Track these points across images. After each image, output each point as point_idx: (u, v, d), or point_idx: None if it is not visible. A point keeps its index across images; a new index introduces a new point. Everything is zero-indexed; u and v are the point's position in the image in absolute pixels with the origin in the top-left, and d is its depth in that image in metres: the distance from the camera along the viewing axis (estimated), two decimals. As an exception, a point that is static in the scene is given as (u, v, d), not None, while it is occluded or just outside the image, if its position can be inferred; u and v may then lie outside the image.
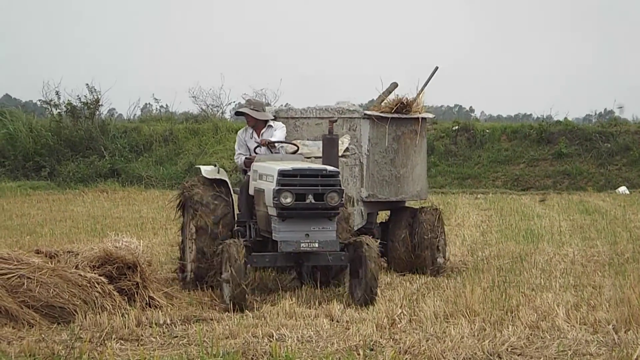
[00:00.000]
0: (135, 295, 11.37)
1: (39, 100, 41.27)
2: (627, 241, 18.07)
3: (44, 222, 21.42)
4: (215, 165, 13.28)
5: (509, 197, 32.23)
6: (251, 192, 12.44)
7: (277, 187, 11.46)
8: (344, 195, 11.72)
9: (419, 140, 14.86)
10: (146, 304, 11.35)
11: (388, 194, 14.77)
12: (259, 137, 13.11)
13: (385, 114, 14.60)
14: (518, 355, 8.94)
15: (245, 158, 12.98)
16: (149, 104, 52.58)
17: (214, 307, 11.60)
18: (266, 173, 11.93)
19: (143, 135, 39.48)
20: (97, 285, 10.97)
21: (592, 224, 21.72)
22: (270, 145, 12.90)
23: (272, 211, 11.64)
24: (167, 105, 50.01)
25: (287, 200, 11.41)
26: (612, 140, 38.86)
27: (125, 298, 11.24)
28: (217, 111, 44.29)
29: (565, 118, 42.52)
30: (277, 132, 13.12)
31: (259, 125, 13.20)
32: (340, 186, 11.67)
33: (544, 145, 39.49)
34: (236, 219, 12.69)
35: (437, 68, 15.02)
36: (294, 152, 13.19)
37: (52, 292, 10.62)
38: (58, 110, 39.39)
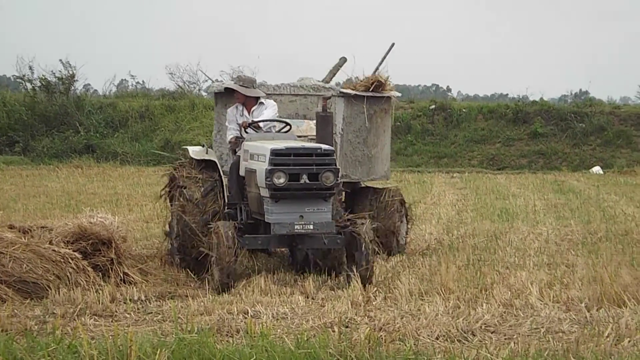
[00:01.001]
0: (110, 271, 11.33)
1: (13, 75, 41.03)
2: (600, 220, 18.17)
3: (17, 197, 21.29)
4: (203, 145, 12.92)
5: (485, 176, 32.35)
6: (242, 172, 11.95)
7: (270, 167, 11.02)
8: (339, 175, 11.36)
9: (388, 120, 14.58)
10: (121, 280, 11.32)
11: (360, 175, 14.38)
12: (249, 114, 12.55)
13: (361, 92, 14.14)
14: (492, 333, 8.96)
15: (235, 137, 12.44)
16: (125, 80, 52.44)
17: (189, 284, 11.58)
18: (258, 153, 11.44)
19: (119, 111, 39.30)
20: (71, 261, 10.92)
21: (566, 204, 21.83)
22: (254, 127, 12.32)
23: (265, 192, 11.21)
24: (143, 81, 49.93)
25: (280, 180, 11.01)
26: (586, 121, 39.03)
27: (100, 274, 11.21)
28: (194, 88, 44.15)
29: (541, 98, 42.80)
30: (267, 110, 12.55)
31: (249, 102, 12.61)
32: (335, 165, 11.28)
33: (519, 125, 39.63)
34: (226, 201, 12.24)
35: (393, 44, 14.75)
36: (287, 131, 12.50)
37: (26, 268, 10.57)
38: (32, 85, 39.14)
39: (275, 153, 11.08)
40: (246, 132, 12.25)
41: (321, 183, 11.13)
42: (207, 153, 12.68)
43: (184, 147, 13.72)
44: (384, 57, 14.67)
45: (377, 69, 14.54)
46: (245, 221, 11.77)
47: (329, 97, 13.13)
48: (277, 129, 12.50)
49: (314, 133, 12.78)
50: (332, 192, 11.29)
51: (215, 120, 14.02)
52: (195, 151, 12.73)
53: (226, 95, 13.48)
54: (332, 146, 11.78)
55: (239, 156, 12.07)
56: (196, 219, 12.18)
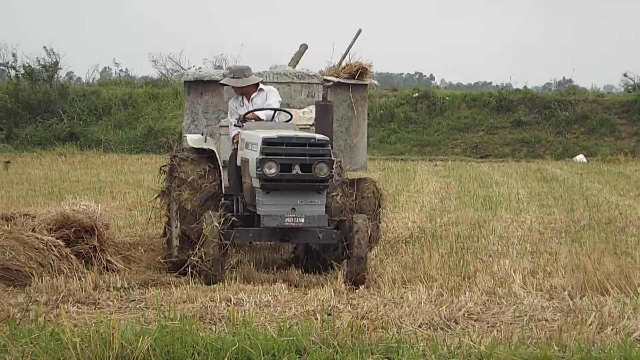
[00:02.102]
0: (93, 258, 11.31)
1: (-5, 62, 40.83)
2: (583, 209, 18.23)
3: (0, 185, 21.21)
4: (202, 134, 12.35)
5: (468, 164, 32.42)
6: (239, 163, 11.44)
7: (261, 157, 10.54)
8: (334, 167, 10.84)
9: (366, 108, 14.23)
10: (103, 267, 11.30)
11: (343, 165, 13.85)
12: (249, 102, 12.04)
13: (345, 80, 13.75)
14: (475, 321, 8.98)
15: (239, 133, 11.66)
16: (108, 67, 52.26)
17: (172, 272, 11.55)
18: (252, 141, 10.97)
19: (102, 99, 39.20)
20: (53, 249, 10.90)
21: (549, 192, 21.89)
22: (253, 118, 11.79)
23: (256, 182, 10.73)
24: (126, 69, 49.69)
25: (272, 170, 10.51)
26: (570, 109, 39.14)
27: (83, 261, 11.18)
28: (177, 76, 44.03)
29: (525, 86, 42.89)
30: (271, 99, 12.03)
31: (248, 90, 12.08)
32: (330, 156, 10.71)
33: (503, 113, 39.72)
34: (223, 191, 11.67)
35: (360, 30, 14.38)
36: (288, 120, 11.94)
37: (8, 255, 10.54)
38: (15, 73, 38.99)
39: (266, 142, 10.62)
40: (243, 124, 11.75)
41: (314, 174, 10.59)
42: (205, 142, 12.10)
43: (183, 135, 13.15)
44: (351, 44, 14.30)
45: (344, 56, 14.19)
46: (241, 213, 11.33)
47: (330, 85, 12.84)
48: (280, 119, 11.98)
49: (304, 122, 12.53)
50: (325, 184, 10.77)
51: (187, 110, 13.53)
52: (193, 139, 12.16)
53: (199, 84, 13.22)
54: (331, 136, 11.37)
55: (237, 145, 11.66)
56: (193, 199, 11.56)
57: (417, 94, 40.97)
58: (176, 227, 11.80)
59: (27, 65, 38.75)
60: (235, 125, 11.92)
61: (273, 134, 10.81)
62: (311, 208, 10.75)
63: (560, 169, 30.11)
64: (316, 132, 11.54)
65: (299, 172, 10.59)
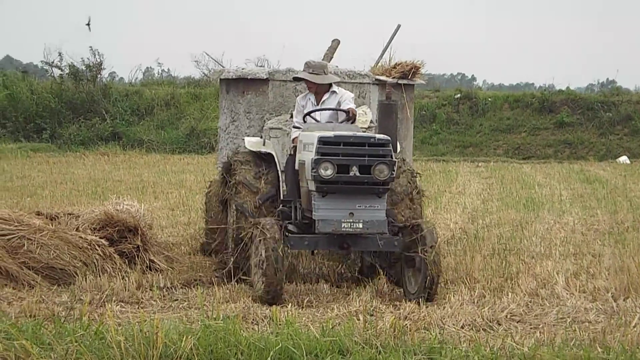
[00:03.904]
0: (136, 258, 11.38)
1: (41, 61, 41.17)
2: (627, 210, 18.08)
3: (44, 184, 21.39)
4: (261, 137, 11.74)
5: (510, 165, 32.27)
6: (297, 166, 10.60)
7: (316, 157, 9.79)
8: (395, 168, 9.98)
9: (412, 110, 13.67)
10: (147, 267, 11.36)
11: None
12: (318, 104, 11.17)
13: (397, 79, 13.12)
14: (517, 322, 8.95)
15: (294, 127, 11.02)
16: (151, 67, 52.46)
17: (215, 272, 11.59)
18: (308, 142, 10.18)
19: (145, 99, 39.40)
20: (97, 248, 10.98)
21: (592, 193, 21.73)
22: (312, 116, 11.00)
23: (312, 185, 9.98)
24: (169, 69, 49.90)
25: (327, 172, 9.76)
26: (613, 110, 38.84)
27: (126, 261, 11.25)
28: (215, 73, 44.05)
29: (567, 87, 42.56)
30: (346, 102, 11.08)
31: (320, 90, 11.19)
32: (391, 157, 9.90)
33: (545, 114, 39.49)
34: (281, 197, 10.93)
35: (399, 26, 14.08)
36: (352, 121, 10.97)
37: (53, 254, 10.63)
38: (60, 73, 39.30)
39: (322, 141, 9.88)
40: (304, 122, 11.02)
41: (373, 176, 9.80)
42: (264, 145, 11.44)
43: (242, 137, 12.36)
44: (390, 40, 13.97)
45: (383, 52, 13.85)
46: (300, 221, 10.45)
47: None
48: (343, 119, 11.05)
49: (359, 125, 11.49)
50: (386, 188, 9.99)
51: (225, 109, 13.01)
52: (252, 142, 11.47)
53: (240, 83, 12.72)
54: (395, 137, 10.60)
55: (295, 148, 10.79)
56: (252, 201, 10.93)
57: (459, 95, 40.84)
58: (232, 230, 11.23)
59: (71, 65, 39.05)
60: (294, 127, 11.13)
61: (329, 133, 10.10)
62: (370, 213, 9.96)
63: (603, 170, 29.88)
64: (379, 132, 10.75)
65: (357, 173, 9.83)
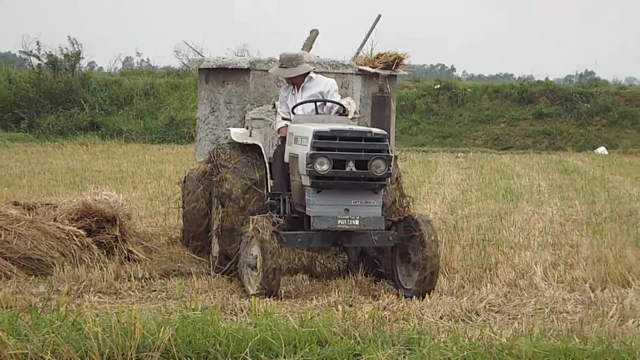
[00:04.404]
0: (114, 248, 11.34)
1: (19, 50, 40.92)
2: (605, 201, 18.15)
3: (22, 174, 21.28)
4: (247, 128, 11.51)
5: (489, 156, 32.35)
6: (286, 159, 10.43)
7: (312, 152, 9.56)
8: (392, 164, 9.80)
9: (395, 100, 13.33)
10: (125, 257, 11.33)
11: None
12: (298, 92, 10.98)
13: (379, 70, 12.79)
14: (496, 313, 8.98)
15: (286, 126, 10.70)
16: (130, 57, 52.25)
17: (193, 262, 11.57)
18: (301, 135, 9.95)
19: (124, 88, 39.26)
20: (75, 238, 10.93)
21: (570, 184, 21.81)
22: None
23: (306, 180, 9.76)
24: (148, 59, 49.68)
25: (323, 167, 9.53)
26: (592, 101, 38.99)
27: (104, 251, 11.21)
28: (194, 62, 43.86)
29: (546, 78, 42.72)
30: (332, 95, 10.94)
31: (298, 80, 11.00)
32: (388, 152, 9.71)
33: (524, 105, 39.61)
34: (268, 190, 10.71)
35: (379, 16, 13.76)
36: (342, 114, 10.78)
37: (30, 244, 10.59)
38: (38, 62, 39.10)
39: (318, 136, 9.62)
40: (293, 114, 10.78)
41: (370, 172, 9.59)
42: (250, 136, 11.17)
43: (222, 128, 12.22)
44: (370, 31, 13.65)
45: (363, 43, 13.56)
46: (288, 215, 10.26)
47: (387, 76, 12.19)
48: (335, 111, 10.84)
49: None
50: (382, 183, 9.79)
51: (204, 100, 12.80)
52: (237, 133, 11.17)
53: (221, 72, 12.51)
54: (389, 131, 10.32)
55: (282, 142, 10.66)
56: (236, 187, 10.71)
57: (438, 86, 40.90)
58: (216, 221, 11.09)
59: (50, 54, 38.84)
60: (283, 119, 10.92)
61: (325, 127, 9.83)
62: (366, 209, 9.75)
63: (581, 161, 30.00)
64: (372, 126, 10.64)
65: (354, 169, 9.61)
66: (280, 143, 10.67)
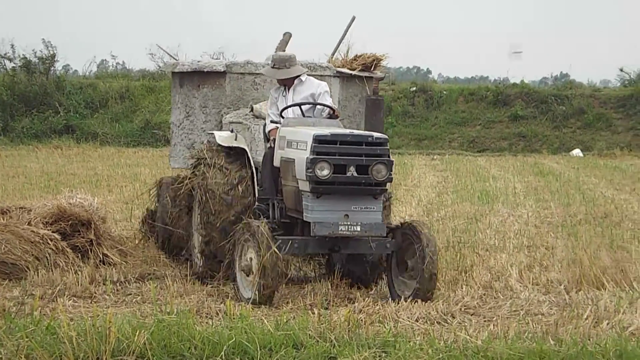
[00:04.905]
0: (89, 252, 11.30)
1: (-7, 54, 40.71)
2: (579, 203, 18.23)
3: (-4, 178, 21.19)
4: (232, 131, 11.30)
5: (465, 158, 32.43)
6: (276, 163, 10.12)
7: (312, 156, 9.31)
8: (392, 169, 9.62)
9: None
10: (100, 261, 11.28)
11: None
12: (289, 94, 10.70)
13: (359, 72, 12.72)
14: (471, 315, 8.99)
15: (276, 128, 10.37)
16: (105, 60, 52.04)
17: (169, 265, 11.54)
18: (297, 139, 9.72)
19: (99, 91, 39.15)
20: (50, 242, 10.87)
21: (546, 186, 21.90)
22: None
23: (304, 186, 9.48)
24: (123, 62, 49.46)
25: (324, 172, 9.29)
26: (567, 103, 39.16)
27: (79, 255, 11.16)
28: (168, 66, 43.71)
29: (522, 81, 42.78)
30: (323, 97, 10.66)
31: (288, 82, 10.73)
32: (389, 157, 9.56)
33: (500, 108, 39.74)
34: (256, 195, 10.53)
35: (354, 18, 13.61)
36: (331, 117, 10.54)
37: (4, 249, 10.52)
38: (12, 65, 38.93)
39: (318, 140, 9.40)
40: (281, 117, 10.49)
41: (371, 177, 9.40)
42: (236, 139, 11.00)
43: (209, 131, 11.85)
44: (345, 32, 13.50)
45: (338, 45, 13.43)
46: (278, 219, 10.00)
47: (382, 78, 12.06)
48: (326, 114, 10.57)
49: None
50: (383, 189, 9.61)
51: (178, 104, 12.50)
52: (222, 137, 11.00)
53: (195, 76, 12.33)
54: (383, 134, 10.02)
55: (274, 144, 10.29)
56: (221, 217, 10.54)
57: (414, 88, 40.96)
58: (200, 231, 10.87)
59: (23, 57, 38.67)
60: (272, 122, 10.61)
61: (325, 131, 9.62)
62: (367, 215, 9.55)
63: (556, 163, 30.13)
64: (366, 130, 10.58)
65: (355, 174, 9.40)
66: (272, 146, 10.35)
